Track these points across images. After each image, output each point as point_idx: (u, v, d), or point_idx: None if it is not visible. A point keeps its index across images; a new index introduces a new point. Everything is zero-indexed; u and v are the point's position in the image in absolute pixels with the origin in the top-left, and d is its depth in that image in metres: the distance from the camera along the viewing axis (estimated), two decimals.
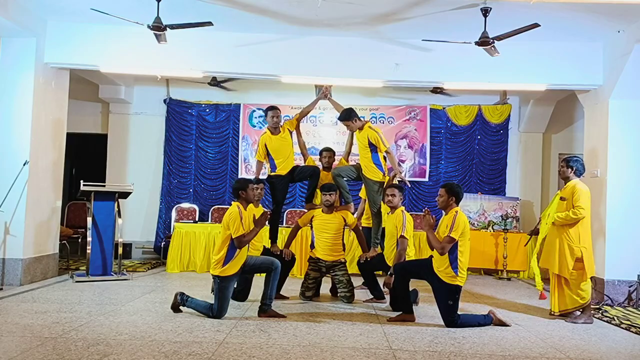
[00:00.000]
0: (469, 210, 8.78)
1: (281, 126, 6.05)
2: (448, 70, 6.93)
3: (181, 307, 5.00)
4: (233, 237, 4.77)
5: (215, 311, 4.80)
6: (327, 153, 6.47)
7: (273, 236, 6.11)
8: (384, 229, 5.79)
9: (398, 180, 5.88)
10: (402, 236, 5.34)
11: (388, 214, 5.63)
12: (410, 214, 8.79)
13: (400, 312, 5.09)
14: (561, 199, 5.30)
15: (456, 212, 4.79)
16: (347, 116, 5.90)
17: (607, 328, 5.03)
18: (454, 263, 4.73)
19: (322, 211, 5.85)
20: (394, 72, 6.92)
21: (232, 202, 5.07)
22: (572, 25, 6.23)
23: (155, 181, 9.36)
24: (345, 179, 6.01)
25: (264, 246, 5.94)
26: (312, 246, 6.08)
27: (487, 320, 4.90)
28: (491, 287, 7.28)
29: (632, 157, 6.47)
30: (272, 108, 6.02)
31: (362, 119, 6.10)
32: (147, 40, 6.04)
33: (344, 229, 5.86)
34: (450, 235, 4.67)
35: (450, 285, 4.75)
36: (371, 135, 5.78)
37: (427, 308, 5.62)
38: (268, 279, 4.99)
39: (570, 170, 5.29)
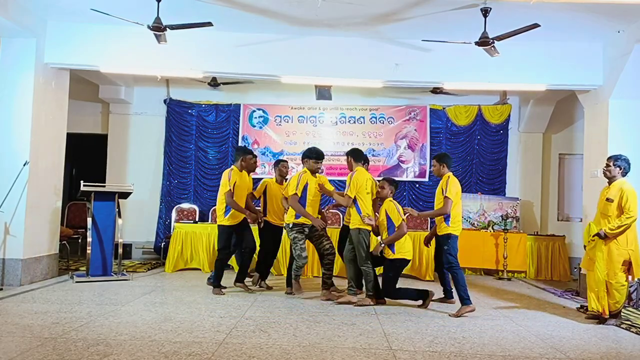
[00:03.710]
0: (469, 211, 8.79)
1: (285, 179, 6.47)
2: (448, 71, 6.94)
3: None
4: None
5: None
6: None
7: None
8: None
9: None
10: (400, 224, 5.50)
11: (379, 204, 5.81)
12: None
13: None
14: (607, 200, 5.06)
15: (448, 176, 5.56)
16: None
17: (607, 328, 5.02)
18: (447, 219, 5.47)
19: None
20: (394, 72, 6.92)
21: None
22: (572, 25, 6.23)
23: (156, 181, 9.36)
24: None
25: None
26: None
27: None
28: (492, 287, 7.28)
29: (632, 157, 6.36)
30: (283, 160, 6.70)
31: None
32: (147, 41, 6.04)
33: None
34: (446, 195, 5.42)
35: (441, 235, 5.56)
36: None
37: (427, 308, 5.62)
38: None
39: (618, 169, 5.09)
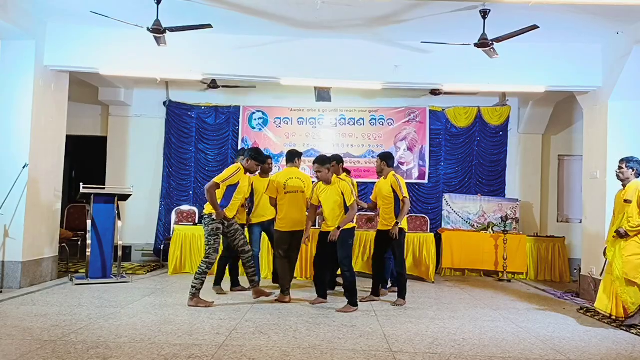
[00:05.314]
0: (469, 212, 8.79)
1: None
2: (447, 72, 6.94)
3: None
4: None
5: None
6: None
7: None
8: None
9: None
10: (352, 204, 5.47)
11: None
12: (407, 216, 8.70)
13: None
14: (625, 201, 5.05)
15: (394, 175, 5.85)
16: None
17: (607, 329, 5.03)
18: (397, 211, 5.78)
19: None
20: (394, 74, 6.92)
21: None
22: (571, 27, 6.24)
23: (155, 183, 9.36)
24: None
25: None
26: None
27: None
28: (491, 288, 7.28)
29: None
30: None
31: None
32: (146, 43, 6.04)
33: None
34: (405, 195, 5.73)
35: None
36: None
37: (427, 309, 5.63)
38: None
39: (631, 171, 5.10)
